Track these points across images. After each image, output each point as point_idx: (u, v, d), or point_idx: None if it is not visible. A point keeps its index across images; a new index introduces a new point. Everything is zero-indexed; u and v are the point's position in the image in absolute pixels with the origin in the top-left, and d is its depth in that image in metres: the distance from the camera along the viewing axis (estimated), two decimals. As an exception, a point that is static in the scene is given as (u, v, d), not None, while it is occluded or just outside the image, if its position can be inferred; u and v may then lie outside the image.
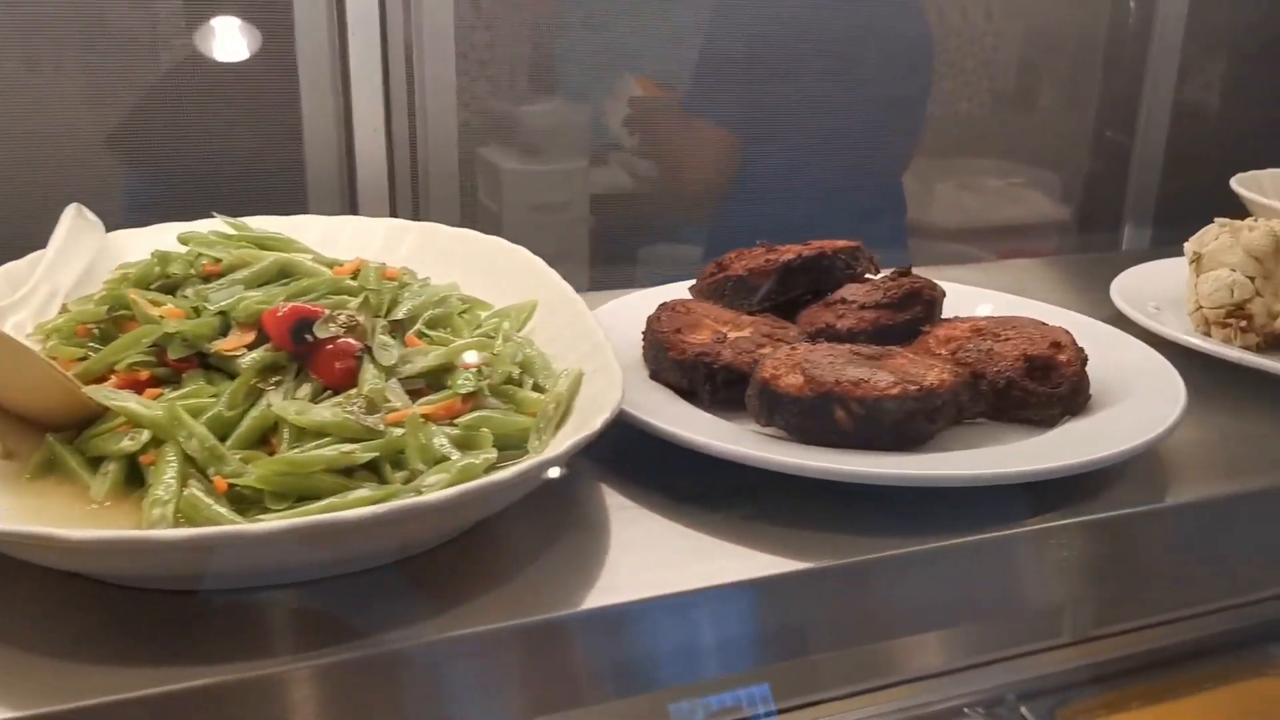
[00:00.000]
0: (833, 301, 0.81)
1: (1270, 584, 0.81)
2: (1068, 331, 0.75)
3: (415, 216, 1.20)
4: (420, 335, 0.69)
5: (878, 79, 1.57)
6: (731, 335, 0.74)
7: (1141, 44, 1.42)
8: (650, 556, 0.62)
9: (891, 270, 0.89)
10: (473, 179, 1.39)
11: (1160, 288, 0.97)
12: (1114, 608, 1.04)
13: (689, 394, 0.72)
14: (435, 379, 0.66)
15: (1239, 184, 1.22)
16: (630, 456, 0.70)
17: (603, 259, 3.38)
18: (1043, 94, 1.89)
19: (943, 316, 0.85)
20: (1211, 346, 0.84)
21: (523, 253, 0.85)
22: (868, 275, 0.89)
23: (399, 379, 0.64)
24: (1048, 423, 0.71)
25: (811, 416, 0.64)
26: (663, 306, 0.78)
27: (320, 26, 1.09)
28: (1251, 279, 0.87)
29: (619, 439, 0.68)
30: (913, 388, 0.65)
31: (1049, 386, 0.71)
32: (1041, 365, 0.71)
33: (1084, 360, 0.72)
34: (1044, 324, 0.77)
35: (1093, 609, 1.05)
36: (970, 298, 0.91)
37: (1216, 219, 0.91)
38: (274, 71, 1.09)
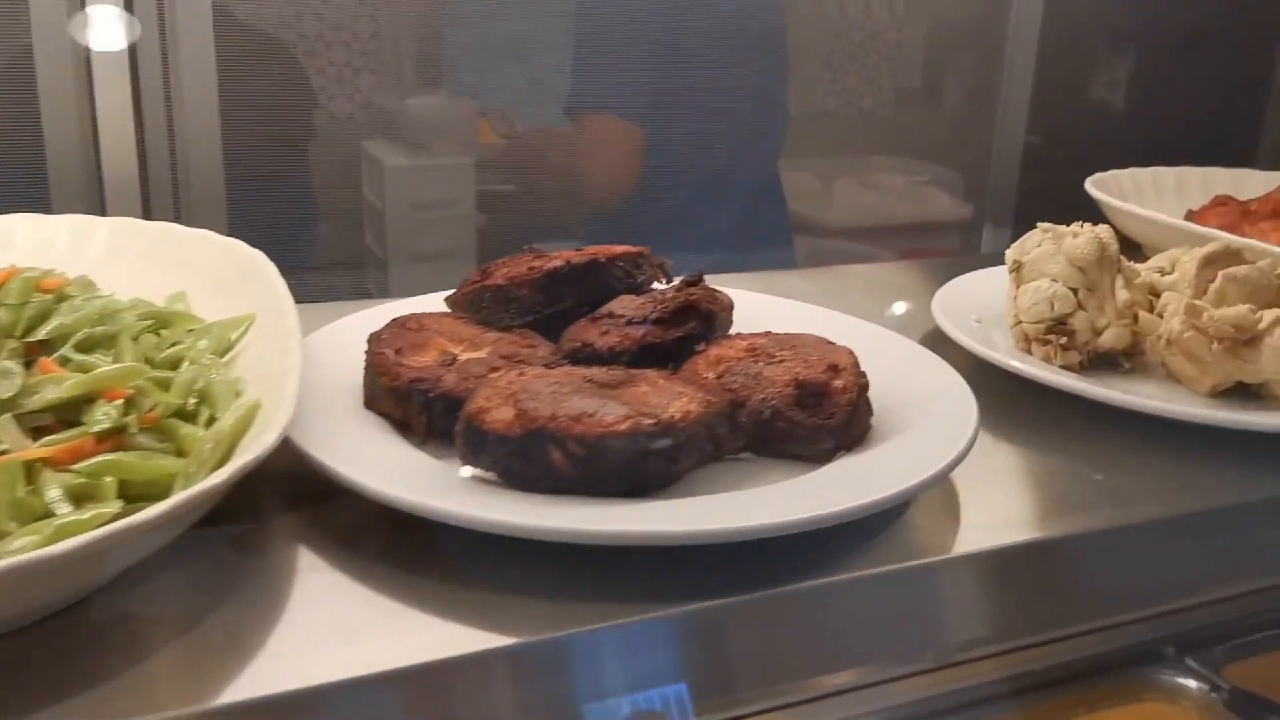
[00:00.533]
0: (599, 316, 0.71)
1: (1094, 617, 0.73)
2: (851, 352, 0.66)
3: (175, 218, 1.07)
4: (64, 360, 0.57)
5: (734, 67, 1.48)
6: (464, 357, 0.63)
7: (996, 41, 1.34)
8: (322, 631, 0.51)
9: (681, 279, 0.79)
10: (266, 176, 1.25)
11: (989, 297, 0.89)
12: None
13: (406, 427, 0.61)
14: (74, 414, 0.54)
15: (1094, 185, 1.15)
16: (331, 506, 0.59)
17: (493, 258, 3.24)
18: (946, 91, 1.83)
19: (731, 331, 0.76)
20: (1021, 366, 0.75)
21: (252, 257, 0.73)
22: (656, 285, 0.79)
23: (21, 413, 0.53)
24: (819, 458, 0.61)
25: (522, 458, 0.54)
26: (393, 322, 0.67)
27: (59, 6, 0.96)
28: (1074, 291, 0.79)
29: (318, 485, 0.57)
30: (647, 422, 0.55)
31: (820, 417, 0.61)
32: (813, 392, 0.62)
33: (863, 386, 0.63)
34: (829, 343, 0.67)
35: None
36: (770, 310, 0.81)
37: (1039, 224, 0.82)
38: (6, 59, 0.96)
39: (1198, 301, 0.74)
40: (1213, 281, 0.82)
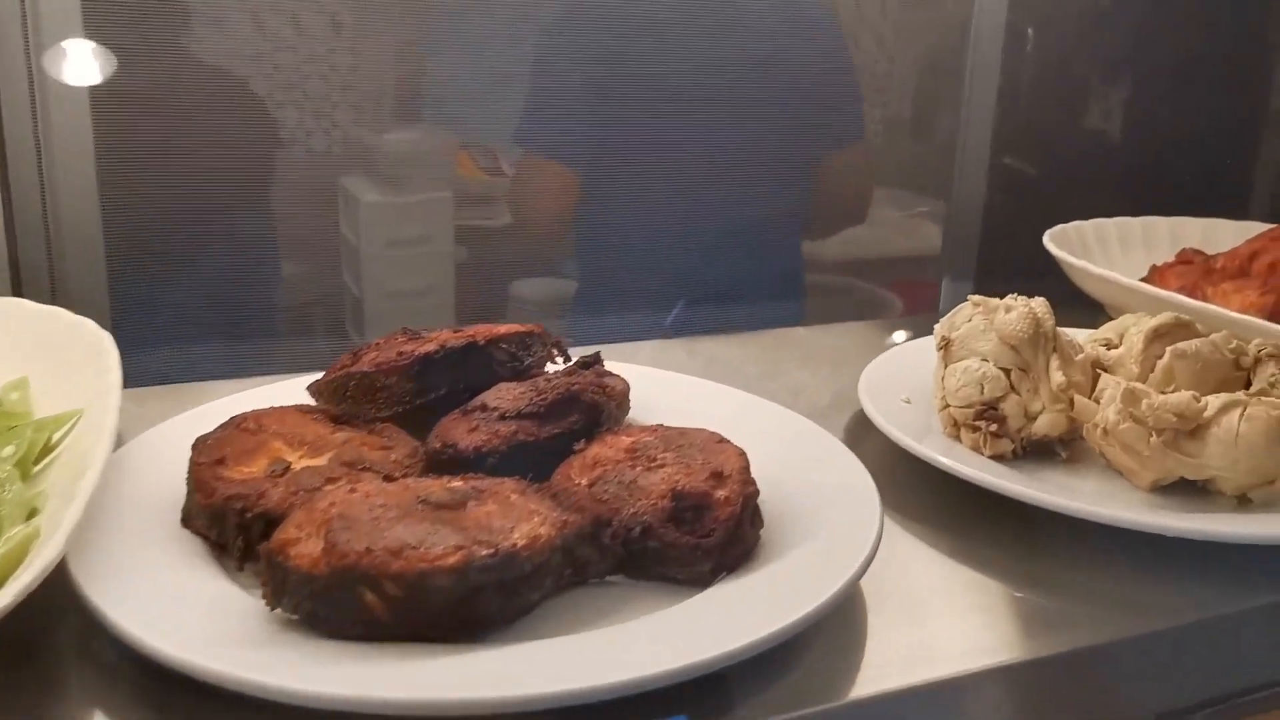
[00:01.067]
0: (471, 409, 0.64)
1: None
2: (742, 454, 0.58)
3: (50, 293, 0.99)
4: None
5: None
6: (299, 465, 0.56)
7: (956, 81, 1.27)
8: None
9: (577, 360, 0.72)
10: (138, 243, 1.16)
11: (927, 373, 0.82)
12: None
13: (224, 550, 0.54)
14: None
15: (1052, 240, 1.07)
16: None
17: (471, 296, 3.18)
18: (935, 125, 1.77)
19: (631, 417, 0.69)
20: (943, 460, 0.67)
21: (97, 339, 0.66)
22: (550, 367, 0.72)
23: None
24: (697, 581, 0.54)
25: (329, 602, 0.46)
26: (227, 423, 0.59)
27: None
28: (1006, 371, 0.71)
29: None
30: (482, 553, 0.48)
31: (696, 535, 0.54)
32: (692, 505, 0.55)
33: (749, 497, 0.55)
34: (721, 442, 0.60)
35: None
36: (674, 392, 0.74)
37: (970, 296, 0.75)
38: None
39: (1137, 386, 0.67)
40: (1161, 358, 0.75)
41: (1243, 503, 0.66)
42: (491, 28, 2.86)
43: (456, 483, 0.54)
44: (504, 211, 3.47)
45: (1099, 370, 0.76)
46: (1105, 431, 0.66)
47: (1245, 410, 0.66)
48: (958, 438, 0.72)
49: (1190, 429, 0.66)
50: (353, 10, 2.80)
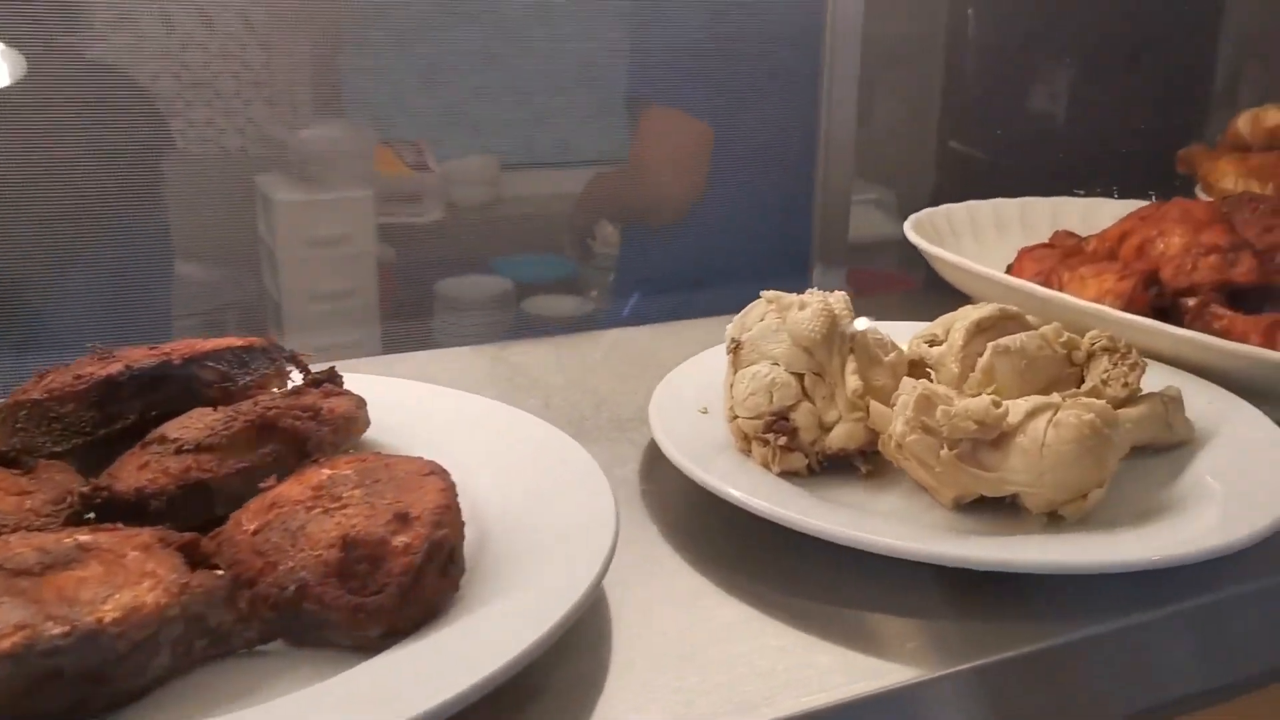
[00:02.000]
0: (150, 441, 0.54)
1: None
2: (444, 491, 0.49)
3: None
4: None
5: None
6: (-101, 519, 0.47)
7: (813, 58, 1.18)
8: None
9: (309, 377, 0.63)
10: None
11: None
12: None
13: None
14: None
15: (914, 227, 0.98)
16: None
17: (397, 297, 3.06)
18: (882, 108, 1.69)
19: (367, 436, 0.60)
20: (706, 478, 0.58)
21: None
22: (277, 389, 0.62)
23: None
24: (366, 647, 0.45)
25: None
26: None
27: None
28: (799, 377, 0.62)
29: None
30: (53, 632, 0.39)
31: (362, 594, 0.45)
32: (364, 555, 0.46)
33: (437, 542, 0.46)
34: (427, 474, 0.50)
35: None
36: (428, 407, 0.65)
37: (763, 292, 0.66)
38: None
39: (935, 390, 0.58)
40: (983, 355, 0.66)
41: (1054, 520, 0.58)
42: (416, 18, 2.73)
43: (79, 537, 0.45)
44: (433, 208, 3.35)
45: (927, 370, 0.68)
46: (899, 444, 0.58)
47: (1055, 415, 0.57)
48: (748, 452, 0.63)
49: (992, 438, 0.57)
50: (264, 4, 2.68)
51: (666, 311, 1.22)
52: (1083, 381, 0.67)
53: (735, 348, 0.64)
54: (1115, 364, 0.66)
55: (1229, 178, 1.12)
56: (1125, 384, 0.65)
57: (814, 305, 0.63)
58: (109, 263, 1.48)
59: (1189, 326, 0.83)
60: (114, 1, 1.99)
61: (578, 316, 3.28)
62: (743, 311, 0.66)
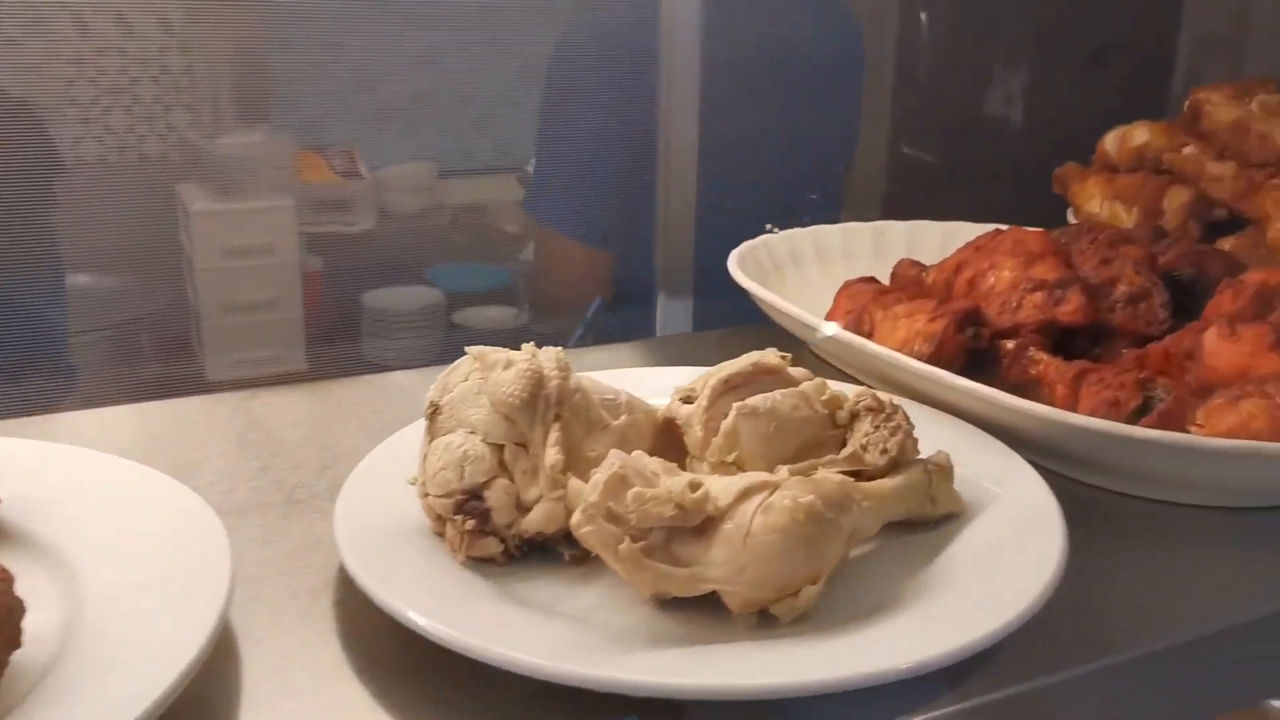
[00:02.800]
0: None
1: None
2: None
3: None
4: None
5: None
6: None
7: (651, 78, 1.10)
8: None
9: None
10: None
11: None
12: None
13: None
14: None
15: (738, 261, 0.90)
16: None
17: (323, 308, 2.95)
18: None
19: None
20: (357, 570, 0.50)
21: None
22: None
23: None
24: None
25: None
26: None
27: None
28: (499, 448, 0.54)
29: None
30: None
31: None
32: None
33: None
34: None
35: None
36: (73, 471, 0.57)
37: (469, 348, 0.58)
38: None
39: (648, 464, 0.50)
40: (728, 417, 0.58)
41: (765, 620, 0.50)
42: (348, 19, 2.63)
43: None
44: (365, 216, 3.24)
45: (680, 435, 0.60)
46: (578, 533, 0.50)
47: (767, 499, 0.49)
48: (442, 534, 0.55)
49: (696, 524, 0.49)
50: (183, 7, 2.56)
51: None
52: (845, 446, 0.60)
53: (433, 412, 0.56)
54: (877, 426, 0.59)
55: (1095, 200, 1.05)
56: (884, 450, 0.57)
57: (520, 364, 0.55)
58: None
59: (1007, 373, 0.76)
60: (25, 3, 1.89)
61: (513, 329, 3.18)
62: (448, 369, 0.58)
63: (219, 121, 2.69)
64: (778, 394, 0.59)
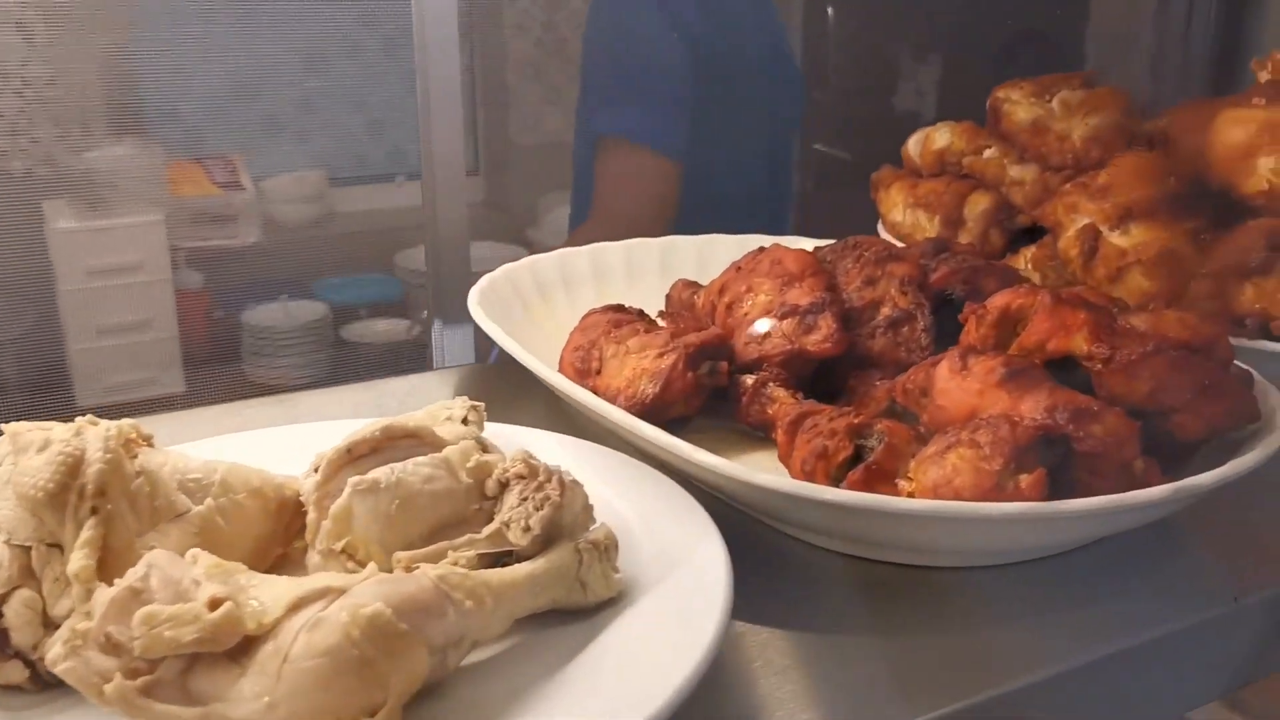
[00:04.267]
0: None
1: None
2: None
3: None
4: None
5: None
6: None
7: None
8: None
9: None
10: None
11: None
12: None
13: None
14: None
15: (480, 295, 0.78)
16: None
17: (199, 328, 2.80)
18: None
19: None
20: None
21: None
22: None
23: None
24: None
25: None
26: None
27: None
28: (25, 551, 0.44)
29: None
30: None
31: None
32: None
33: None
34: None
35: None
36: None
37: (4, 426, 0.48)
38: None
39: (131, 584, 0.40)
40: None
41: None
42: (227, 24, 2.48)
43: None
44: (249, 229, 3.08)
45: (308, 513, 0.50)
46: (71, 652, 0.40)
47: (321, 610, 0.40)
48: None
49: (230, 647, 0.40)
50: (45, 17, 2.40)
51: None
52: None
53: None
54: (524, 498, 0.50)
55: (898, 209, 0.97)
56: (527, 527, 0.48)
57: (54, 447, 0.45)
58: None
59: (745, 414, 0.67)
60: None
61: (405, 342, 3.05)
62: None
63: (88, 135, 2.55)
64: (411, 463, 0.50)
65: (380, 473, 0.48)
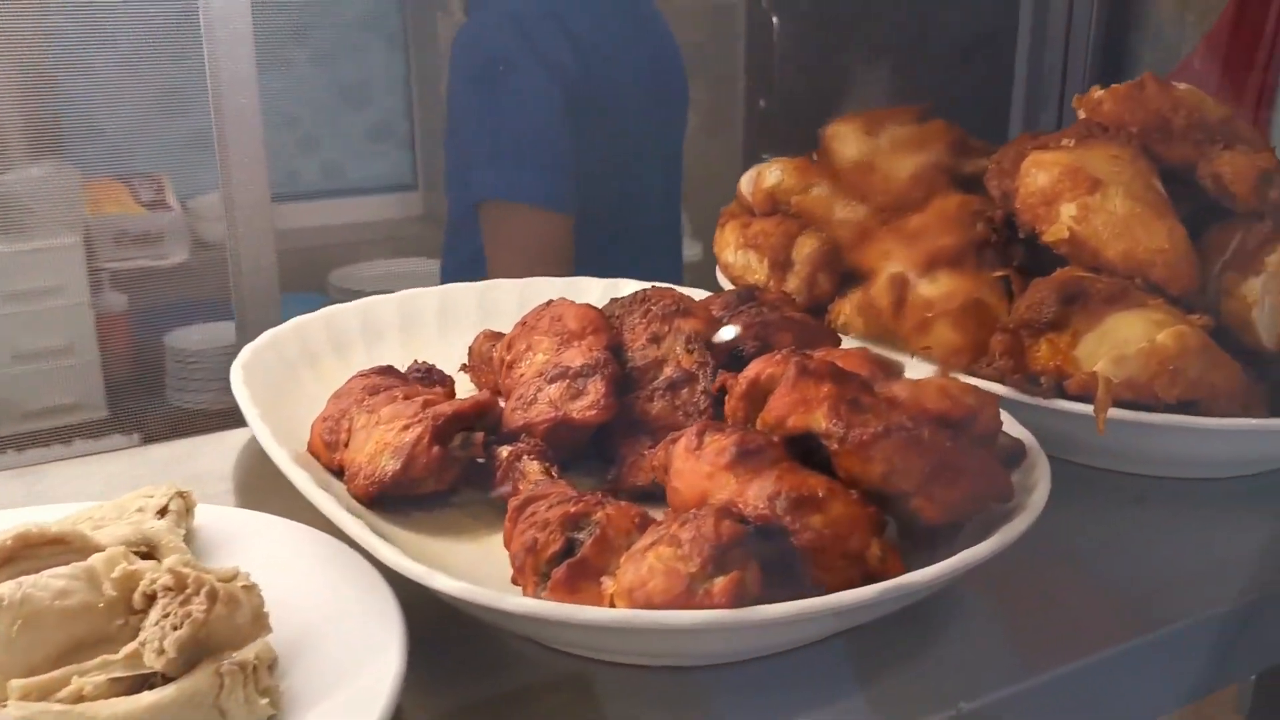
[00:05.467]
0: None
1: None
2: None
3: None
4: None
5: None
6: None
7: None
8: None
9: None
10: None
11: None
12: None
13: None
14: None
15: (243, 371, 0.72)
16: None
17: (124, 352, 2.73)
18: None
19: None
20: None
21: None
22: None
23: None
24: None
25: None
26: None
27: None
28: None
29: None
30: None
31: None
32: None
33: None
34: None
35: None
36: None
37: None
38: None
39: None
40: None
41: None
42: (150, 39, 2.42)
43: None
44: (176, 249, 3.01)
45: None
46: None
47: None
48: None
49: None
50: None
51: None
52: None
53: None
54: (167, 613, 0.45)
55: (730, 249, 0.93)
56: (160, 649, 0.44)
57: None
58: None
59: (497, 488, 0.63)
60: None
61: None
62: None
63: (3, 155, 2.49)
64: (46, 575, 0.45)
65: (4, 588, 0.44)
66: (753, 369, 0.58)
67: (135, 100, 2.46)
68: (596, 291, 0.88)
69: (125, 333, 2.61)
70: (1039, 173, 0.71)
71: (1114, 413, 0.63)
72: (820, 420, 0.53)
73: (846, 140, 0.87)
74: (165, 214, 2.82)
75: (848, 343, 0.80)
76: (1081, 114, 0.77)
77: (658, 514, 0.53)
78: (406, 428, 0.62)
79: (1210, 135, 0.70)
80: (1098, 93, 0.74)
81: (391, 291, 0.86)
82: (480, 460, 0.63)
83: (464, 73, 1.32)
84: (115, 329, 2.57)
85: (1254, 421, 0.63)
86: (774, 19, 3.11)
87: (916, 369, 0.72)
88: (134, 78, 2.38)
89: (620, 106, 1.35)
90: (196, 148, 2.99)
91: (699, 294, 0.78)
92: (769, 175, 0.91)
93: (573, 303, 0.72)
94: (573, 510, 0.52)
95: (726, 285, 0.92)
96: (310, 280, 2.94)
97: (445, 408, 0.63)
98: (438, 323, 0.87)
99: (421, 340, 0.85)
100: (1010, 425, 0.62)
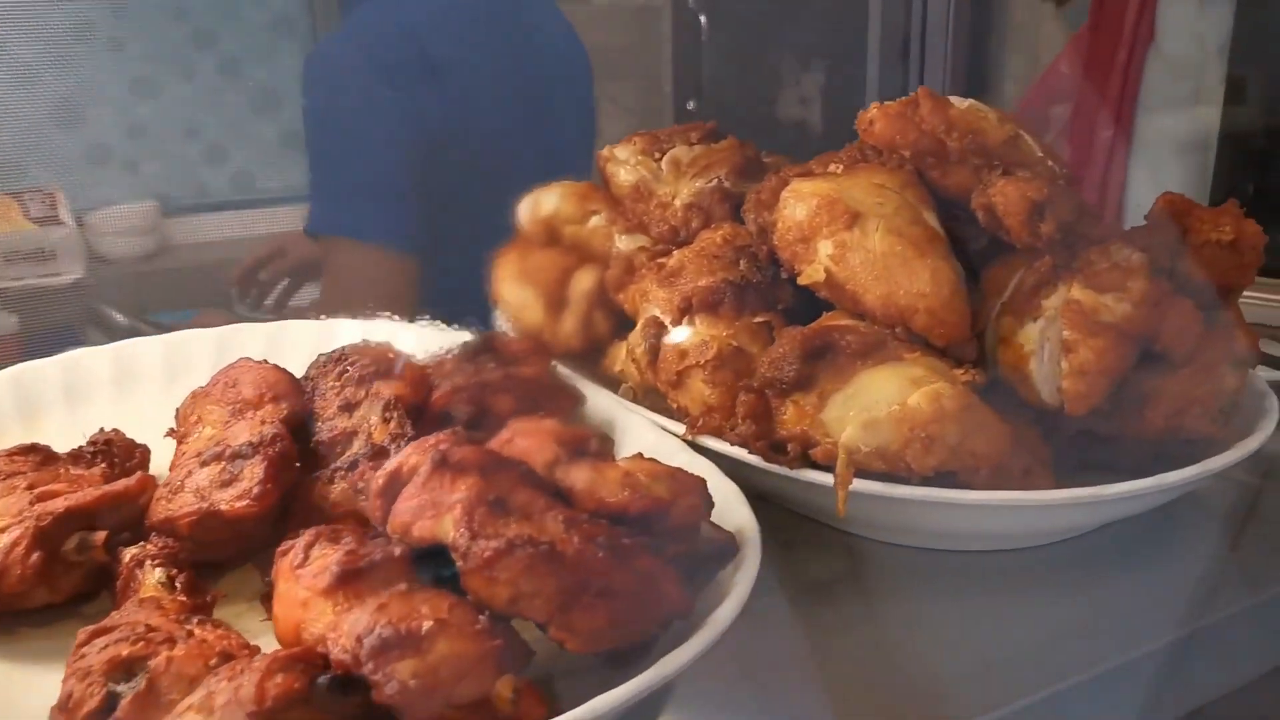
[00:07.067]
0: None
1: None
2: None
3: None
4: None
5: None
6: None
7: None
8: None
9: None
10: None
11: None
12: None
13: None
14: None
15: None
16: None
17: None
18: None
19: None
20: None
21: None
22: None
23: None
24: None
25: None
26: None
27: None
28: None
29: None
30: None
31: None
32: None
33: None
34: None
35: None
36: None
37: None
38: None
39: None
40: None
41: None
42: (43, 47, 2.28)
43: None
44: (71, 265, 2.87)
45: None
46: None
47: None
48: None
49: None
50: None
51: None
52: None
53: None
54: None
55: (506, 284, 0.82)
56: None
57: None
58: None
59: (120, 600, 0.52)
60: None
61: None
62: None
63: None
64: None
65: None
66: (396, 459, 0.47)
67: (27, 113, 2.33)
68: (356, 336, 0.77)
69: (16, 353, 2.48)
70: (796, 204, 0.61)
71: (858, 485, 0.54)
72: (448, 529, 0.43)
73: (622, 164, 0.77)
74: (57, 230, 2.68)
75: (624, 394, 0.70)
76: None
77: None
78: (4, 529, 0.51)
79: (989, 159, 0.60)
80: (873, 110, 0.64)
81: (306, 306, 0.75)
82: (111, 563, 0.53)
83: (307, 96, 1.21)
84: (5, 350, 2.44)
85: (1012, 495, 0.53)
86: (702, 19, 3.01)
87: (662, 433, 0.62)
88: (25, 88, 2.25)
89: (490, 134, 1.23)
90: (94, 160, 2.85)
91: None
92: (545, 202, 0.81)
93: (255, 363, 0.61)
94: (125, 653, 0.41)
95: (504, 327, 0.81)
96: (221, 295, 2.81)
97: (57, 504, 0.52)
98: (164, 375, 0.76)
99: (142, 397, 0.74)
100: (736, 509, 0.52)
